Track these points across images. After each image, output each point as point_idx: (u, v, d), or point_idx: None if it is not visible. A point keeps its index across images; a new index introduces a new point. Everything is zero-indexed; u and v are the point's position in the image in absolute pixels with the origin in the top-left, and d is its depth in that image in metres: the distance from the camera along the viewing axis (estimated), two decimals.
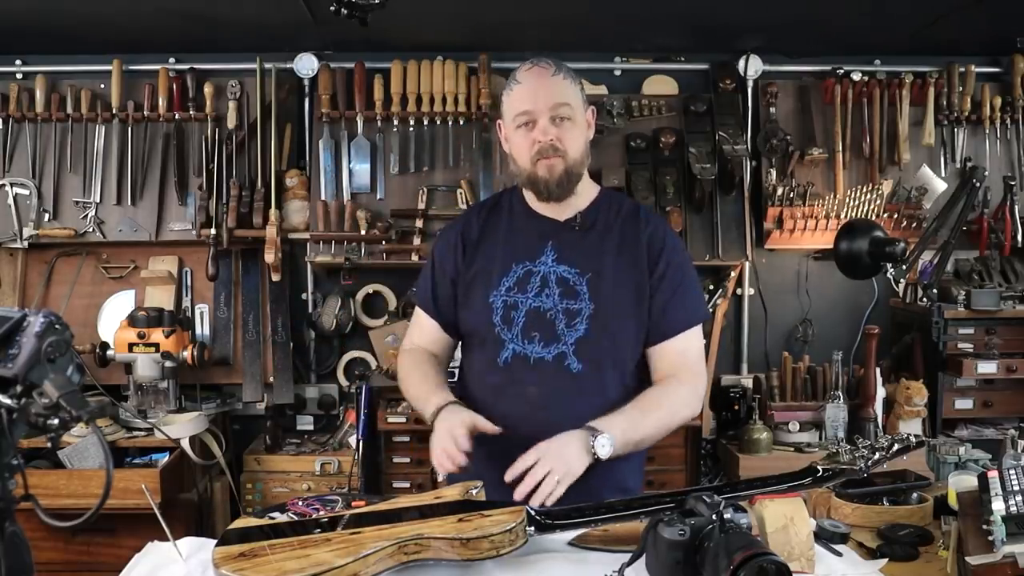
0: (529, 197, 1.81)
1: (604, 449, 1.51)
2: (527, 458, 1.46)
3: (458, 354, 1.95)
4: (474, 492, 1.34)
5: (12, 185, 3.15)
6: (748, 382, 3.26)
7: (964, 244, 3.21)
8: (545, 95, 1.69)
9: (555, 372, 1.70)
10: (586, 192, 1.81)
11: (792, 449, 2.97)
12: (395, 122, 3.19)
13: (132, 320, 2.89)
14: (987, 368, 2.99)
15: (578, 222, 1.78)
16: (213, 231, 3.07)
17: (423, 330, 1.89)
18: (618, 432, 1.56)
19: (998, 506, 1.49)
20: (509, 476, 1.45)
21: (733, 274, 3.26)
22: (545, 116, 1.68)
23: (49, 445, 2.40)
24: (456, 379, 1.92)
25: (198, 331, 3.22)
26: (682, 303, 1.76)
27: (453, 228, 1.89)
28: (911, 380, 2.98)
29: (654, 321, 1.75)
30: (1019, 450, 1.97)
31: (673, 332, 1.75)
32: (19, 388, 0.87)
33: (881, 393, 2.97)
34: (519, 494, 1.42)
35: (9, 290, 3.21)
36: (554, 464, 1.45)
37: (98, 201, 3.18)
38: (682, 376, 1.74)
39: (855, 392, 3.01)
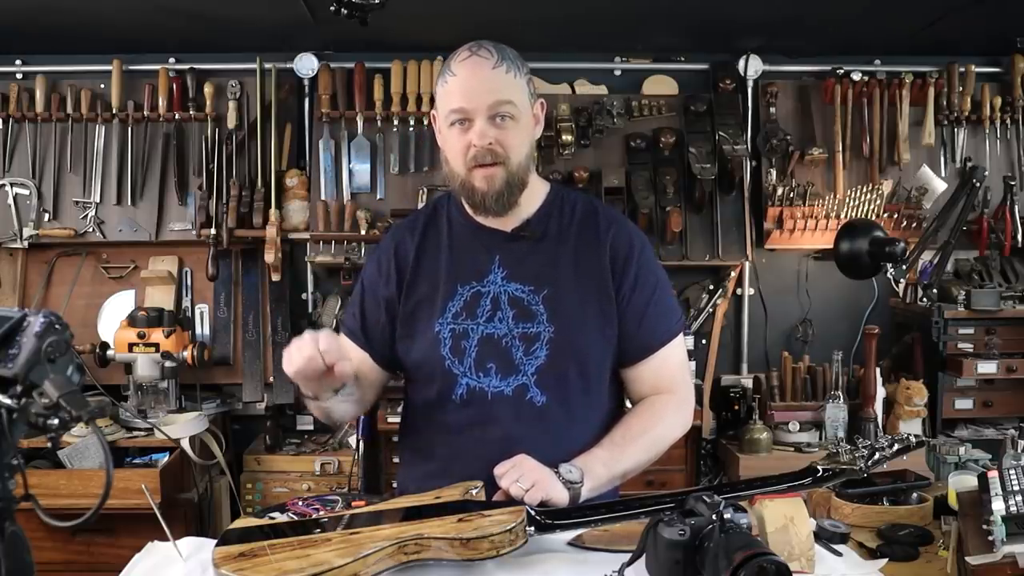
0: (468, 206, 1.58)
1: (572, 473, 1.39)
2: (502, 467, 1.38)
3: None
4: (474, 492, 1.34)
5: (12, 185, 3.15)
6: (748, 382, 3.26)
7: (964, 244, 3.21)
8: (484, 91, 1.45)
9: (517, 408, 1.50)
10: (535, 194, 1.58)
11: (792, 449, 2.97)
12: (395, 122, 3.19)
13: (132, 320, 2.89)
14: (987, 368, 2.99)
15: (528, 231, 1.56)
16: (213, 231, 3.07)
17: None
18: (599, 466, 1.44)
19: (998, 506, 1.50)
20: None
21: (733, 274, 3.26)
22: (483, 116, 1.45)
23: (49, 445, 2.40)
24: (400, 419, 1.70)
25: (198, 331, 3.22)
26: (659, 314, 1.56)
27: (384, 248, 1.64)
28: (911, 380, 2.99)
29: (629, 338, 1.55)
30: (1019, 450, 1.97)
31: (653, 349, 1.56)
32: (19, 388, 0.87)
33: (881, 393, 2.97)
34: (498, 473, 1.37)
35: (9, 290, 3.21)
36: (528, 473, 1.36)
37: (98, 201, 3.18)
38: (665, 394, 1.57)
39: (855, 392, 3.01)
